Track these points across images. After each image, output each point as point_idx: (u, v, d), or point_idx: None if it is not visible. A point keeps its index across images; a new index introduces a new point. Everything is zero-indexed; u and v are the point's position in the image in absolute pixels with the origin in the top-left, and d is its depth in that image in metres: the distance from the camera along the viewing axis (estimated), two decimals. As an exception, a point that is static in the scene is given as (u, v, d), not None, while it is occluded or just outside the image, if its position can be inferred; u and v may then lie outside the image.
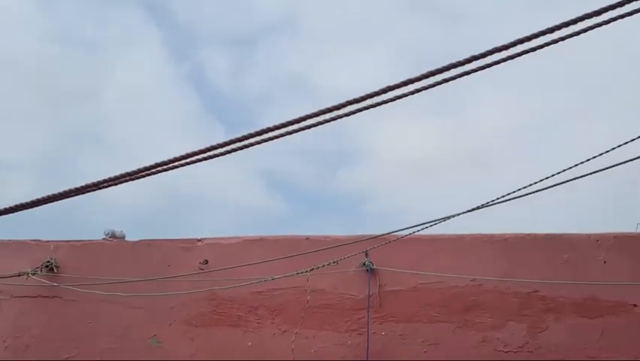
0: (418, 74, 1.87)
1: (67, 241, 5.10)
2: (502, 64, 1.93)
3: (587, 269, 4.08)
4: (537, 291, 4.15)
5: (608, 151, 2.56)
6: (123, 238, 5.28)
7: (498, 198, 2.89)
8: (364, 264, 4.54)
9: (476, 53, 1.72)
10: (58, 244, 5.07)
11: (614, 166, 2.97)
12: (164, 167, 2.02)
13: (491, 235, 4.47)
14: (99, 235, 5.26)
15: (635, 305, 3.97)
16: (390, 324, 4.44)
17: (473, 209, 3.05)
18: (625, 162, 2.94)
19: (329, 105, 1.89)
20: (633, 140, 2.53)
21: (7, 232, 5.27)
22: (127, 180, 2.10)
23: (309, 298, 4.40)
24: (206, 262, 4.68)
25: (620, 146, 2.58)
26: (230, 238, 4.83)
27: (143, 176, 2.09)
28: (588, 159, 2.61)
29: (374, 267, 4.54)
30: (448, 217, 3.17)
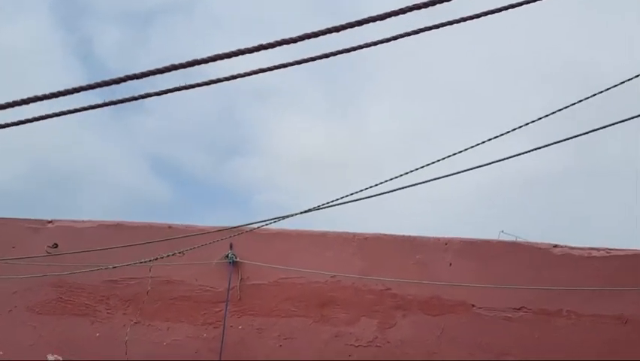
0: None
1: None
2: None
3: (435, 270, 4.34)
4: (389, 289, 4.35)
5: (443, 158, 2.72)
6: None
7: (333, 201, 2.97)
8: (227, 256, 4.48)
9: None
10: None
11: (462, 172, 3.17)
12: None
13: (353, 233, 4.60)
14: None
15: (473, 305, 4.28)
16: (249, 318, 4.42)
17: (308, 210, 3.12)
18: (474, 168, 3.15)
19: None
20: (472, 147, 2.71)
21: None
22: None
23: (149, 288, 4.26)
24: (56, 245, 4.36)
25: (458, 152, 2.76)
26: (84, 222, 4.54)
27: None
28: (428, 164, 2.76)
29: (237, 260, 4.49)
30: (287, 216, 3.22)
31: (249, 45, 1.59)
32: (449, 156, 2.68)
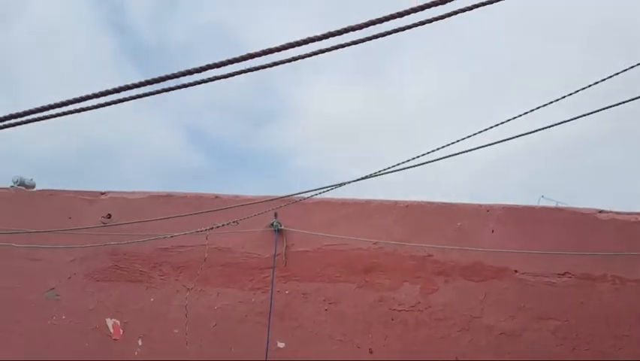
0: (338, 29, 1.81)
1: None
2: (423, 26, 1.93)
3: (477, 236, 4.38)
4: (431, 255, 4.42)
5: (494, 126, 2.73)
6: (33, 186, 5.04)
7: (390, 167, 3.02)
8: (272, 224, 4.62)
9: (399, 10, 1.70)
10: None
11: (508, 139, 3.18)
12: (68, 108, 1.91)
13: (395, 201, 4.66)
14: (7, 184, 5.00)
15: (516, 271, 4.32)
16: (295, 283, 4.57)
17: (367, 177, 3.17)
18: (515, 137, 3.15)
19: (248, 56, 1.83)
20: (515, 117, 2.71)
21: None
22: (31, 121, 1.97)
23: (206, 255, 4.43)
24: (110, 216, 4.56)
25: (507, 121, 2.76)
26: (135, 193, 4.72)
27: (48, 117, 1.97)
28: (480, 131, 2.77)
29: (282, 227, 4.63)
30: (343, 183, 3.28)
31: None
32: (500, 123, 2.68)
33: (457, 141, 2.84)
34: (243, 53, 1.59)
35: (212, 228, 3.78)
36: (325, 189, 3.37)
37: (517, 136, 3.11)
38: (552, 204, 5.20)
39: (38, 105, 1.92)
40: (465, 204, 4.49)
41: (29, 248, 4.47)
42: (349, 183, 3.20)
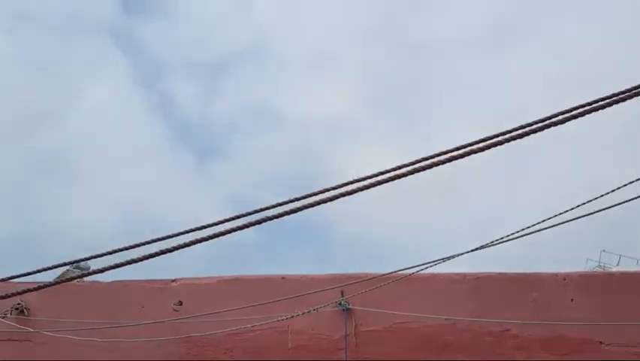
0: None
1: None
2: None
3: (555, 307, 4.21)
4: (508, 330, 4.25)
5: (597, 197, 2.74)
6: (88, 268, 5.21)
7: (497, 240, 3.03)
8: (340, 303, 4.57)
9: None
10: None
11: (603, 210, 3.16)
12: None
13: (463, 274, 4.57)
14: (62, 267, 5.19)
15: (601, 343, 4.10)
16: (367, 364, 4.46)
17: (474, 250, 3.17)
18: (610, 207, 3.13)
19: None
20: (619, 188, 2.70)
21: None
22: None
23: (290, 345, 4.38)
24: (181, 303, 4.65)
25: (612, 191, 2.76)
26: (204, 278, 4.82)
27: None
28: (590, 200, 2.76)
29: (350, 306, 4.57)
30: (446, 259, 3.28)
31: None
32: (604, 194, 2.67)
33: (573, 208, 2.82)
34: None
35: (292, 316, 3.78)
36: (426, 266, 3.35)
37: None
38: (615, 258, 4.97)
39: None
40: (539, 273, 4.37)
41: (108, 342, 4.56)
42: (461, 255, 3.20)
